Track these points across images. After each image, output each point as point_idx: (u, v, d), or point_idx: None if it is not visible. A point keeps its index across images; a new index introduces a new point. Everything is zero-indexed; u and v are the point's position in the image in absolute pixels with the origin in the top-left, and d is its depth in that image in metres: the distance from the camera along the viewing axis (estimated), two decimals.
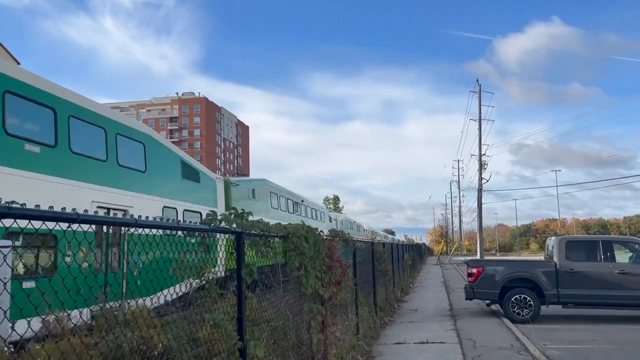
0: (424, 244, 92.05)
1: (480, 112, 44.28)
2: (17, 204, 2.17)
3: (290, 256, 5.84)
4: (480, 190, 43.93)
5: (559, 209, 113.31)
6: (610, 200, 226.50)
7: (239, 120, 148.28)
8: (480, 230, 45.61)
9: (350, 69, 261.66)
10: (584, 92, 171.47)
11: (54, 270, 9.08)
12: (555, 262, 12.79)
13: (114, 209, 11.34)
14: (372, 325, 10.80)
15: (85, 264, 9.16)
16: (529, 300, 12.55)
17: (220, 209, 16.16)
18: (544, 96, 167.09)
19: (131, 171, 12.36)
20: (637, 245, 12.87)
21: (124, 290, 10.74)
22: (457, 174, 67.12)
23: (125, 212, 11.41)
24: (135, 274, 10.62)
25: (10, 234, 2.36)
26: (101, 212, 10.57)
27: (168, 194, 13.83)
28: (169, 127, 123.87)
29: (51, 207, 2.38)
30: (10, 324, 2.41)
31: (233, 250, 4.32)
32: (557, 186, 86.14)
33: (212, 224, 3.96)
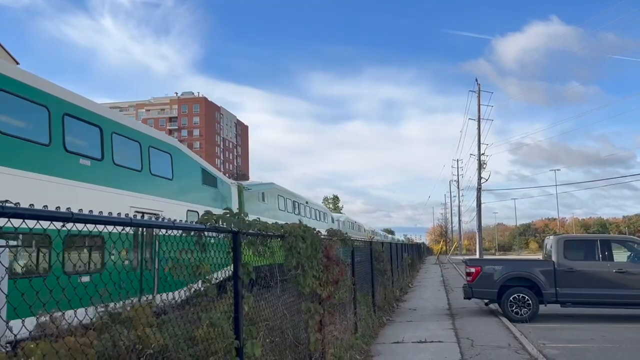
0: (423, 243, 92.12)
1: (479, 112, 44.33)
2: (11, 203, 2.18)
3: (287, 255, 5.85)
4: (479, 190, 43.96)
5: (558, 209, 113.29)
6: (610, 199, 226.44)
7: (238, 120, 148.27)
8: (479, 229, 45.63)
9: (350, 69, 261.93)
10: (583, 91, 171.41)
11: (102, 267, 10.32)
12: (554, 262, 12.80)
13: (147, 213, 12.31)
14: (371, 325, 10.81)
15: (127, 262, 10.85)
16: (528, 300, 12.56)
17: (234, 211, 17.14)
18: (542, 95, 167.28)
19: (161, 179, 13.65)
20: (635, 245, 12.89)
21: (156, 285, 11.92)
22: (456, 174, 67.16)
23: (157, 215, 12.51)
24: (165, 271, 11.29)
25: (3, 233, 2.39)
26: (138, 216, 11.66)
27: (191, 199, 15.02)
28: (168, 127, 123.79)
29: (45, 206, 2.38)
30: (5, 323, 2.42)
31: (230, 250, 4.33)
32: (556, 185, 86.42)
33: (208, 224, 3.97)
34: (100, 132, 11.29)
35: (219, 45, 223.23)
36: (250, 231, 4.59)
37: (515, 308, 12.59)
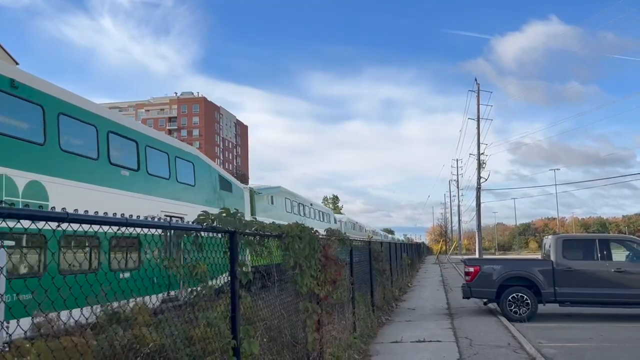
0: (423, 243, 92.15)
1: (478, 112, 44.34)
2: (7, 204, 2.19)
3: (285, 255, 5.86)
4: (479, 189, 43.97)
5: (557, 208, 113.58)
6: (609, 199, 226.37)
7: (238, 120, 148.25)
8: (479, 229, 45.63)
9: (349, 69, 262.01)
10: (582, 91, 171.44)
11: (140, 265, 11.38)
12: (552, 261, 12.81)
13: (174, 217, 13.30)
14: (370, 324, 10.82)
15: (158, 260, 11.57)
16: (526, 299, 12.57)
17: (247, 214, 19.07)
18: (542, 95, 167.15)
19: (186, 186, 15.08)
20: (634, 244, 12.90)
21: (181, 282, 12.74)
22: (456, 173, 67.06)
23: (182, 218, 13.39)
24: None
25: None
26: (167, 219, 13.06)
27: (210, 203, 16.06)
28: (167, 127, 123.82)
29: (41, 206, 2.39)
30: (1, 323, 2.43)
31: (227, 249, 4.34)
32: (555, 185, 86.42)
33: (205, 224, 3.98)
34: (136, 146, 12.78)
35: (219, 45, 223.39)
36: (247, 231, 4.60)
37: (514, 307, 12.60)
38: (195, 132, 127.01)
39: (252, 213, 20.14)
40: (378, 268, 13.95)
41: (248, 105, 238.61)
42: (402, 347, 9.55)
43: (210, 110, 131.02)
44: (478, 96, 44.51)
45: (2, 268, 2.44)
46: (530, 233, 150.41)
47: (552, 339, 10.15)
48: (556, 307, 13.08)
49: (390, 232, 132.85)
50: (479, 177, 43.81)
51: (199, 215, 4.03)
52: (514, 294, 12.67)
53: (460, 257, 52.84)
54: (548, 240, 13.77)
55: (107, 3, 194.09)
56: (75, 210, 2.58)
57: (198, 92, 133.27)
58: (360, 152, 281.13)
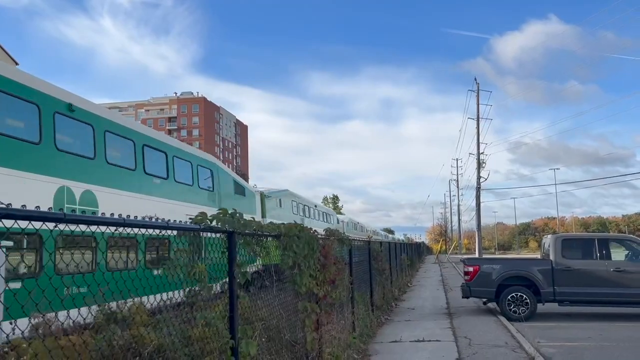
0: (423, 242, 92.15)
1: (478, 111, 44.34)
2: (3, 204, 2.20)
3: (283, 255, 5.86)
4: (478, 189, 43.98)
5: (557, 207, 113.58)
6: (609, 198, 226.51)
7: (237, 120, 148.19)
8: (478, 228, 45.64)
9: (349, 68, 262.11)
10: (581, 90, 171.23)
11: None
12: (552, 260, 12.82)
13: None
14: (369, 324, 10.83)
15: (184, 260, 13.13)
16: (526, 298, 12.58)
17: (258, 216, 20.64)
18: (541, 94, 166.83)
19: (205, 191, 16.39)
20: (633, 244, 12.91)
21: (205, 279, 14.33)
22: (455, 173, 67.09)
23: None
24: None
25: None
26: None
27: (227, 207, 16.60)
28: (167, 127, 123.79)
29: (37, 207, 2.40)
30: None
31: (225, 249, 4.35)
32: (555, 184, 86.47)
33: (202, 224, 3.98)
34: (165, 156, 14.14)
35: (219, 45, 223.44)
36: (246, 231, 4.60)
37: (513, 307, 12.60)
38: (195, 132, 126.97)
39: (263, 215, 21.50)
40: (377, 268, 13.95)
41: (248, 105, 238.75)
42: (401, 346, 9.56)
43: (210, 110, 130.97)
44: (478, 96, 44.54)
45: None
46: (530, 232, 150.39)
47: (551, 338, 10.15)
48: (555, 307, 13.09)
49: (390, 231, 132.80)
50: (479, 177, 43.83)
51: (196, 216, 4.04)
52: (513, 294, 12.67)
53: (460, 256, 52.83)
54: (547, 239, 13.77)
55: (107, 3, 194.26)
56: (73, 211, 2.60)
57: (198, 92, 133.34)
58: (359, 151, 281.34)
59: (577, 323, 12.09)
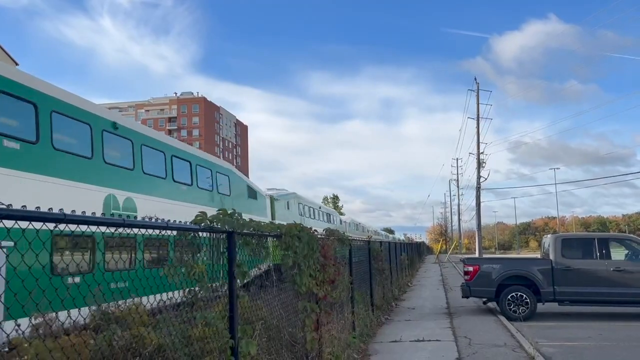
0: (423, 242, 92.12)
1: (478, 111, 44.35)
2: (3, 204, 2.21)
3: (283, 255, 5.87)
4: (478, 189, 44.00)
5: (557, 207, 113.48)
6: (610, 197, 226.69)
7: (237, 120, 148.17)
8: (479, 228, 45.66)
9: (348, 68, 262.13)
10: (581, 90, 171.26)
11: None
12: (552, 260, 12.82)
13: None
14: (369, 324, 10.83)
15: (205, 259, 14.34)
16: (525, 298, 12.58)
17: (269, 217, 21.94)
18: (541, 94, 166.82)
19: (223, 196, 17.69)
20: (633, 243, 12.91)
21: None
22: (455, 173, 67.15)
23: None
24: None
25: None
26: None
27: (242, 210, 17.91)
28: (167, 127, 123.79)
29: (38, 207, 2.42)
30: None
31: (224, 249, 4.35)
32: (555, 184, 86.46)
33: (202, 224, 3.99)
34: (190, 165, 15.59)
35: (218, 45, 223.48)
36: (245, 231, 4.61)
37: (513, 307, 12.61)
38: (195, 132, 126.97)
39: (272, 217, 22.80)
40: (377, 267, 13.96)
41: (248, 105, 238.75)
42: (401, 346, 9.57)
43: (210, 110, 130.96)
44: (478, 95, 44.55)
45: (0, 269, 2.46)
46: (531, 232, 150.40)
47: (551, 338, 10.17)
48: (555, 306, 13.09)
49: (391, 231, 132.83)
50: (479, 176, 43.85)
51: (196, 216, 4.05)
52: (513, 293, 12.68)
53: (460, 256, 52.81)
54: (547, 239, 13.77)
55: (107, 3, 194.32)
56: (72, 211, 2.62)
57: (198, 92, 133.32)
58: (359, 151, 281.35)
59: (577, 323, 12.09)
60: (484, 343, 9.55)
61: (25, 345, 2.77)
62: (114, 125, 11.92)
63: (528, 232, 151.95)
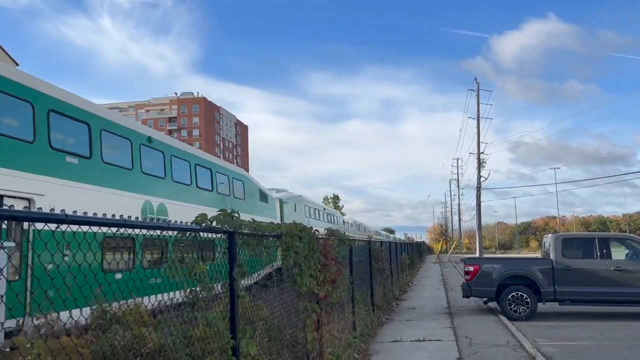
0: (423, 242, 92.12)
1: (478, 111, 44.35)
2: (6, 206, 2.22)
3: (284, 255, 5.87)
4: (479, 189, 43.99)
5: (558, 207, 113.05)
6: (610, 197, 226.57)
7: (238, 120, 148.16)
8: (479, 228, 45.65)
9: (348, 68, 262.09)
10: (581, 90, 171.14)
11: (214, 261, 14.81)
12: (552, 260, 12.82)
13: None
14: (369, 324, 10.84)
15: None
16: (526, 298, 12.59)
17: (278, 219, 23.19)
18: (541, 94, 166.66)
19: (238, 200, 19.07)
20: (633, 243, 12.91)
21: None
22: (456, 172, 67.13)
23: None
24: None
25: None
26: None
27: (254, 213, 19.79)
28: (168, 128, 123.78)
29: (39, 208, 2.42)
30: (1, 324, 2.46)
31: (225, 250, 4.36)
32: (556, 183, 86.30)
33: (203, 224, 4.00)
34: (211, 173, 16.98)
35: (218, 45, 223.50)
36: (246, 231, 4.62)
37: (514, 306, 12.61)
38: (196, 132, 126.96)
39: (281, 219, 24.06)
40: (378, 267, 13.96)
41: (248, 105, 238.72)
42: (401, 346, 9.57)
43: (210, 111, 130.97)
44: (478, 95, 44.55)
45: (1, 269, 2.47)
46: (531, 232, 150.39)
47: (552, 337, 10.17)
48: (556, 306, 13.09)
49: (391, 231, 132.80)
50: (479, 176, 43.84)
51: (197, 217, 4.06)
52: (513, 293, 12.68)
53: (460, 256, 52.80)
54: (548, 239, 13.78)
55: (107, 3, 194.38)
56: (152, 219, 2.71)
57: (198, 92, 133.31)
58: (359, 151, 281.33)
59: (578, 322, 12.09)
60: (484, 343, 9.55)
61: (28, 345, 2.78)
62: (149, 139, 13.37)
63: (528, 231, 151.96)
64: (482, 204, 44.45)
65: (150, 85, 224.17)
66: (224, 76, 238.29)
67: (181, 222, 3.64)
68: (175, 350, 4.04)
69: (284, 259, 5.88)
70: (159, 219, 12.76)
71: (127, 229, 2.91)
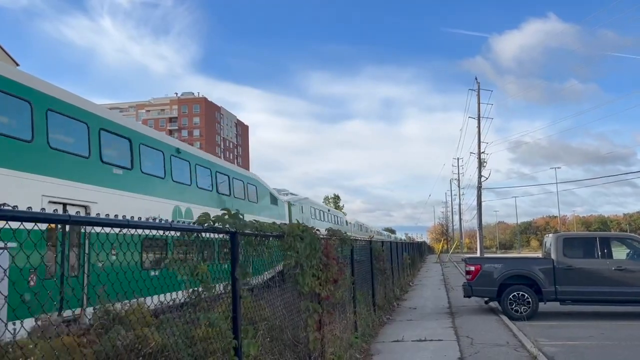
0: (424, 242, 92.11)
1: (479, 110, 44.31)
2: (9, 206, 2.22)
3: (286, 255, 5.88)
4: (479, 188, 43.95)
5: (558, 206, 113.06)
6: (611, 197, 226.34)
7: (238, 120, 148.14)
8: (480, 228, 45.62)
9: (348, 68, 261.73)
10: (581, 89, 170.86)
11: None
12: (553, 259, 12.82)
13: None
14: (371, 324, 10.84)
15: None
16: (527, 298, 12.59)
17: (287, 221, 23.88)
18: (541, 93, 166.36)
19: (252, 203, 20.78)
20: (634, 242, 12.90)
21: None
22: (456, 172, 67.07)
23: None
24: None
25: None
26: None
27: (266, 215, 21.50)
28: (168, 128, 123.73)
29: (43, 208, 2.43)
30: (5, 324, 2.46)
31: (227, 250, 4.36)
32: (556, 183, 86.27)
33: (205, 224, 4.00)
34: (228, 179, 18.51)
35: (218, 45, 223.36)
36: (248, 231, 4.62)
37: (515, 306, 12.61)
38: (196, 133, 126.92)
39: (290, 220, 25.16)
40: (379, 267, 13.96)
41: (248, 105, 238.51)
42: (403, 346, 9.57)
43: (210, 111, 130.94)
44: (478, 95, 44.51)
45: (5, 270, 2.47)
46: (532, 231, 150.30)
47: (553, 337, 10.17)
48: (557, 306, 13.09)
49: (392, 231, 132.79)
50: (480, 176, 43.80)
51: (199, 217, 4.06)
52: (514, 293, 12.68)
53: (461, 256, 52.79)
54: (549, 238, 13.77)
55: (107, 3, 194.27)
56: (180, 222, 2.65)
57: (198, 93, 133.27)
58: (360, 151, 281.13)
59: (579, 322, 12.09)
60: (486, 342, 9.55)
61: (31, 346, 2.78)
62: (178, 150, 15.02)
63: (529, 231, 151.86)
64: (482, 203, 44.45)
65: (150, 86, 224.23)
66: (224, 76, 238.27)
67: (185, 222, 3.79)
68: (178, 350, 4.04)
69: (286, 259, 5.89)
70: (184, 221, 13.92)
71: (133, 229, 2.91)
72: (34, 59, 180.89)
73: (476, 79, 45.66)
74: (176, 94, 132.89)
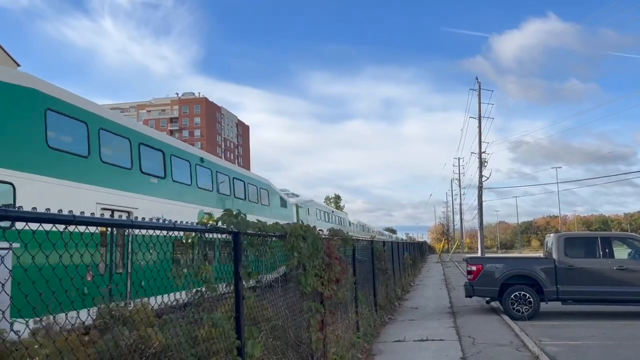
0: (425, 242, 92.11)
1: (480, 110, 44.28)
2: (14, 207, 2.23)
3: (289, 255, 5.88)
4: (480, 188, 43.93)
5: (559, 206, 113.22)
6: (611, 196, 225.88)
7: (239, 120, 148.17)
8: (480, 227, 45.59)
9: (349, 68, 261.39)
10: (582, 89, 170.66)
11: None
12: (554, 259, 12.82)
13: None
14: (372, 324, 10.84)
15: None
16: (529, 297, 12.58)
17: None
18: (542, 93, 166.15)
19: (264, 206, 22.46)
20: (635, 242, 12.90)
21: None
22: (457, 172, 67.08)
23: None
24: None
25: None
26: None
27: (277, 217, 22.26)
28: (169, 128, 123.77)
29: (48, 209, 2.44)
30: (10, 324, 2.47)
31: (230, 250, 4.36)
32: (557, 183, 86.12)
33: (208, 225, 4.01)
34: (244, 184, 20.20)
35: (219, 45, 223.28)
36: (251, 232, 4.63)
37: (517, 306, 12.61)
38: (197, 133, 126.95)
39: (298, 221, 25.70)
40: (381, 267, 13.96)
41: (248, 105, 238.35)
42: (405, 346, 9.57)
43: (211, 111, 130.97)
44: (479, 95, 44.48)
45: (10, 270, 2.48)
46: (532, 231, 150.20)
47: (555, 337, 10.17)
48: (558, 305, 13.09)
49: (393, 231, 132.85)
50: (481, 176, 43.77)
51: (202, 217, 4.06)
52: (516, 293, 12.68)
53: (462, 255, 52.78)
54: (550, 238, 13.77)
55: (107, 4, 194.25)
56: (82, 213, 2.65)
57: (199, 93, 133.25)
58: (360, 151, 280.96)
59: (580, 322, 12.09)
60: (487, 342, 9.55)
61: (36, 346, 2.79)
62: (202, 159, 16.65)
63: (530, 231, 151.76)
64: (483, 203, 44.44)
65: (151, 86, 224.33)
66: (225, 76, 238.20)
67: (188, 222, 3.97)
68: (181, 350, 4.04)
69: (288, 259, 5.89)
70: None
71: (137, 229, 2.92)
72: (34, 60, 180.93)
73: (477, 78, 45.64)
74: (177, 94, 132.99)
